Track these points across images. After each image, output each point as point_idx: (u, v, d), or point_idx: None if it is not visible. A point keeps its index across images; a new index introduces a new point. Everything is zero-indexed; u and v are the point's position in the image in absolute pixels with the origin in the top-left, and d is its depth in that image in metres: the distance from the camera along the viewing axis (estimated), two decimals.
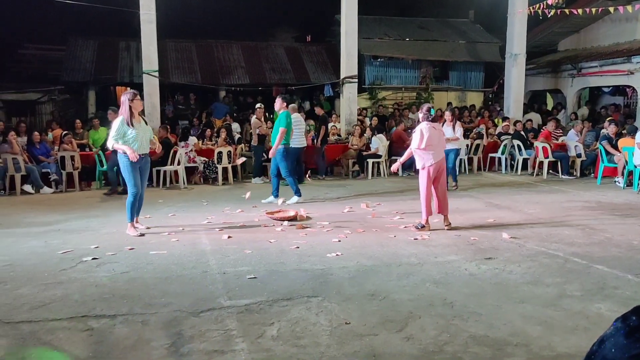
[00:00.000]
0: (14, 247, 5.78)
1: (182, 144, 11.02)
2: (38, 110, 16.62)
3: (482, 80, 18.54)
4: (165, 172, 10.44)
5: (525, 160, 12.11)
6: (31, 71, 18.08)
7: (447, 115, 10.22)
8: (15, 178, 9.65)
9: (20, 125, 11.50)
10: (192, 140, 11.33)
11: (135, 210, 6.43)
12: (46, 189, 9.84)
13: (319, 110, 12.82)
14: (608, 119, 12.23)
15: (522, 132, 12.56)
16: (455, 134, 9.80)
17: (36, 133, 10.69)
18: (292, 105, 10.70)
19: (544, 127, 12.72)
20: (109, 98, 17.09)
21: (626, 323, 1.22)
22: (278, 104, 8.63)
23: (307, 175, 11.09)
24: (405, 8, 21.38)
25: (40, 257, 5.30)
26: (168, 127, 11.74)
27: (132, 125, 6.22)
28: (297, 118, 10.23)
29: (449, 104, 16.95)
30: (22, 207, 8.32)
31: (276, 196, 8.39)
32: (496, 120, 14.61)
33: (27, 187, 9.75)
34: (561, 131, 13.00)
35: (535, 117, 15.05)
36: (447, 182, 8.61)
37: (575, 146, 11.69)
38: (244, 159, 11.11)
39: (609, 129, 10.65)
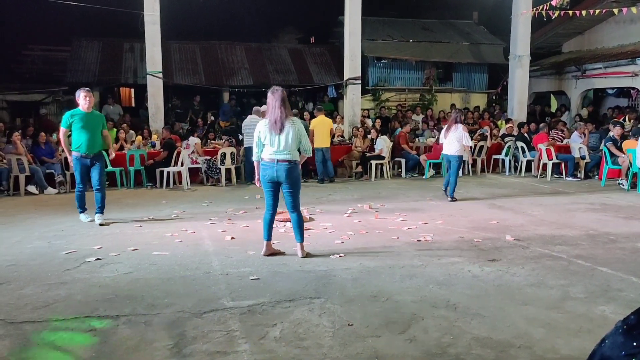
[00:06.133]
0: (18, 247, 5.79)
1: (184, 144, 11.07)
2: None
3: (486, 82, 18.52)
4: (168, 173, 10.45)
5: (529, 162, 12.09)
6: (35, 72, 18.13)
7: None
8: (20, 179, 9.69)
9: (28, 129, 11.51)
10: (193, 140, 11.35)
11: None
12: (50, 190, 9.87)
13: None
14: (612, 120, 12.20)
15: (526, 134, 12.54)
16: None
17: (42, 134, 10.73)
18: (257, 108, 11.06)
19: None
20: (113, 99, 17.13)
21: (625, 322, 1.22)
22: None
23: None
24: (408, 9, 21.35)
25: (44, 258, 5.32)
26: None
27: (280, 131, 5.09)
28: (253, 119, 10.55)
29: (453, 105, 16.96)
30: (26, 208, 8.34)
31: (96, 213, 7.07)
32: (499, 123, 14.58)
33: (31, 188, 9.78)
34: (561, 133, 12.96)
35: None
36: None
37: (580, 148, 11.66)
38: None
39: (614, 131, 10.62)
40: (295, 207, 5.26)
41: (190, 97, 16.31)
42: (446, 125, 9.03)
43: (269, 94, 5.13)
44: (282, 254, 5.39)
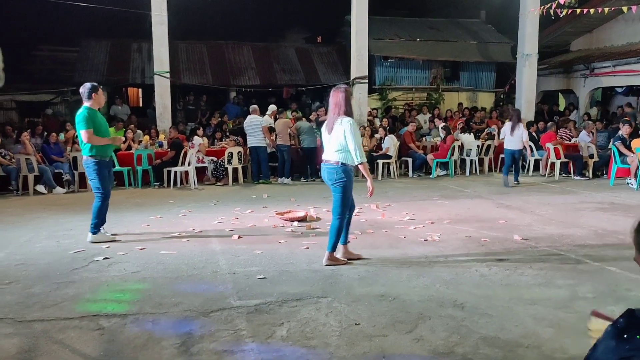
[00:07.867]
0: (27, 246, 5.84)
1: (189, 144, 11.12)
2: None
3: (493, 81, 18.42)
4: (176, 172, 10.49)
5: (537, 161, 12.03)
6: (44, 72, 18.23)
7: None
8: (29, 178, 9.76)
9: (37, 128, 11.59)
10: (198, 140, 11.39)
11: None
12: (59, 189, 9.94)
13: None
14: (622, 119, 12.10)
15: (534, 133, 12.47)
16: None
17: (54, 134, 10.81)
18: (254, 106, 11.43)
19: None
20: (121, 99, 17.23)
21: (615, 326, 1.21)
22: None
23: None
24: (415, 8, 21.29)
25: (53, 257, 5.35)
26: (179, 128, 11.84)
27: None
28: (252, 119, 10.96)
29: (460, 104, 16.91)
30: (35, 207, 8.40)
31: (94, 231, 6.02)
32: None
33: (40, 188, 9.85)
34: (569, 132, 12.87)
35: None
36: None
37: (588, 147, 11.59)
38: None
39: (623, 130, 10.53)
40: (335, 212, 4.89)
41: (197, 96, 16.37)
42: (509, 124, 10.18)
43: (331, 93, 4.89)
44: (359, 258, 5.11)
